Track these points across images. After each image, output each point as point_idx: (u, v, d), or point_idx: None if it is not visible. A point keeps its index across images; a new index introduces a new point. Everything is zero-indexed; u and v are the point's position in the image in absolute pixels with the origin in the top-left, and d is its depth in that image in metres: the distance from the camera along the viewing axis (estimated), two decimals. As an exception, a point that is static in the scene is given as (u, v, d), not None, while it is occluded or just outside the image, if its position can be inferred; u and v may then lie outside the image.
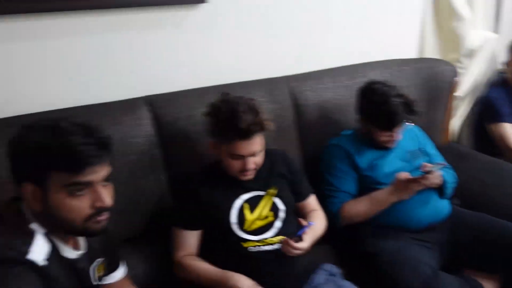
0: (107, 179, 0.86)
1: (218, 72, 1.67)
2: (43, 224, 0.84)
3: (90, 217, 0.82)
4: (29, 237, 0.79)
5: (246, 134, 1.21)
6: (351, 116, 1.66)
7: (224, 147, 1.25)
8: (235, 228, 1.29)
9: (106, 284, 1.09)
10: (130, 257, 1.34)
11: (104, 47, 1.45)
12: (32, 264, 0.74)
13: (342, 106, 1.72)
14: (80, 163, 0.79)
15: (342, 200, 1.51)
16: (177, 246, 1.30)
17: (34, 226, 0.83)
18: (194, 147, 1.47)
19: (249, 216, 1.31)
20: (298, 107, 1.67)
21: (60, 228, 0.84)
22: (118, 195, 1.28)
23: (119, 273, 1.14)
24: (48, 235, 0.84)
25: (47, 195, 0.81)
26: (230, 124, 1.19)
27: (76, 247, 0.92)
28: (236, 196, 1.32)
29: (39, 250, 0.78)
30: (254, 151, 1.25)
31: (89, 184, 0.81)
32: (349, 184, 1.53)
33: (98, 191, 0.82)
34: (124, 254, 1.33)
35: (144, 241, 1.43)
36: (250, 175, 1.31)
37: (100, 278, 1.02)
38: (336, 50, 1.91)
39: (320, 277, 1.29)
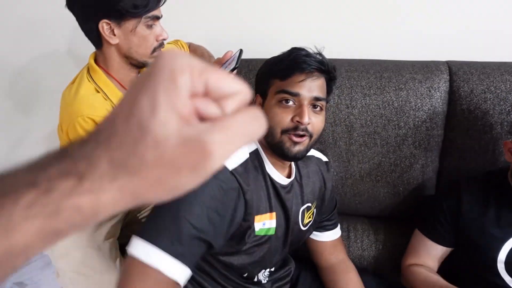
0: (317, 105, 0.85)
1: None
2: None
3: (287, 130, 0.83)
4: None
5: None
6: None
7: None
8: (502, 269, 0.94)
9: (316, 240, 1.08)
10: (363, 236, 1.25)
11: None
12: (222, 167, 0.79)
13: None
14: (291, 67, 0.84)
15: None
16: (411, 251, 1.09)
17: None
18: (491, 143, 1.13)
19: (530, 262, 0.92)
20: None
21: (266, 140, 0.86)
22: (373, 165, 1.20)
23: (332, 235, 1.09)
24: (258, 153, 0.88)
25: (264, 104, 0.88)
26: None
27: (287, 175, 0.93)
28: (520, 227, 0.94)
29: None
30: None
31: (296, 96, 0.83)
32: None
33: (302, 108, 0.82)
34: (358, 231, 1.26)
35: (386, 223, 1.27)
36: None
37: (306, 225, 0.99)
38: None
39: None
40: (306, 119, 0.81)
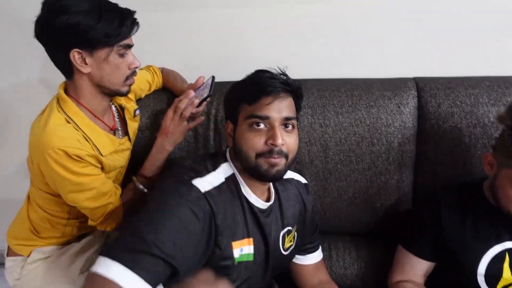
0: (289, 124, 0.87)
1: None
2: (235, 164, 0.90)
3: (262, 154, 0.84)
4: (208, 171, 0.87)
5: None
6: None
7: (509, 172, 0.89)
8: (482, 282, 0.96)
9: (299, 264, 1.08)
10: (345, 255, 1.25)
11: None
12: (195, 188, 0.81)
13: None
14: (258, 91, 0.85)
15: None
16: (397, 268, 1.09)
17: (225, 165, 0.90)
18: (461, 156, 1.15)
19: (507, 274, 0.93)
20: None
21: (242, 165, 0.88)
22: (350, 182, 1.20)
23: (314, 257, 1.09)
24: (235, 178, 0.89)
25: (236, 130, 0.89)
26: None
27: (266, 199, 0.93)
28: (497, 239, 0.97)
29: (206, 180, 0.83)
30: None
31: (267, 120, 0.84)
32: None
33: (274, 130, 0.84)
34: (340, 249, 1.26)
35: (366, 240, 1.28)
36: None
37: (287, 249, 0.99)
38: None
39: None
40: (279, 141, 0.83)
